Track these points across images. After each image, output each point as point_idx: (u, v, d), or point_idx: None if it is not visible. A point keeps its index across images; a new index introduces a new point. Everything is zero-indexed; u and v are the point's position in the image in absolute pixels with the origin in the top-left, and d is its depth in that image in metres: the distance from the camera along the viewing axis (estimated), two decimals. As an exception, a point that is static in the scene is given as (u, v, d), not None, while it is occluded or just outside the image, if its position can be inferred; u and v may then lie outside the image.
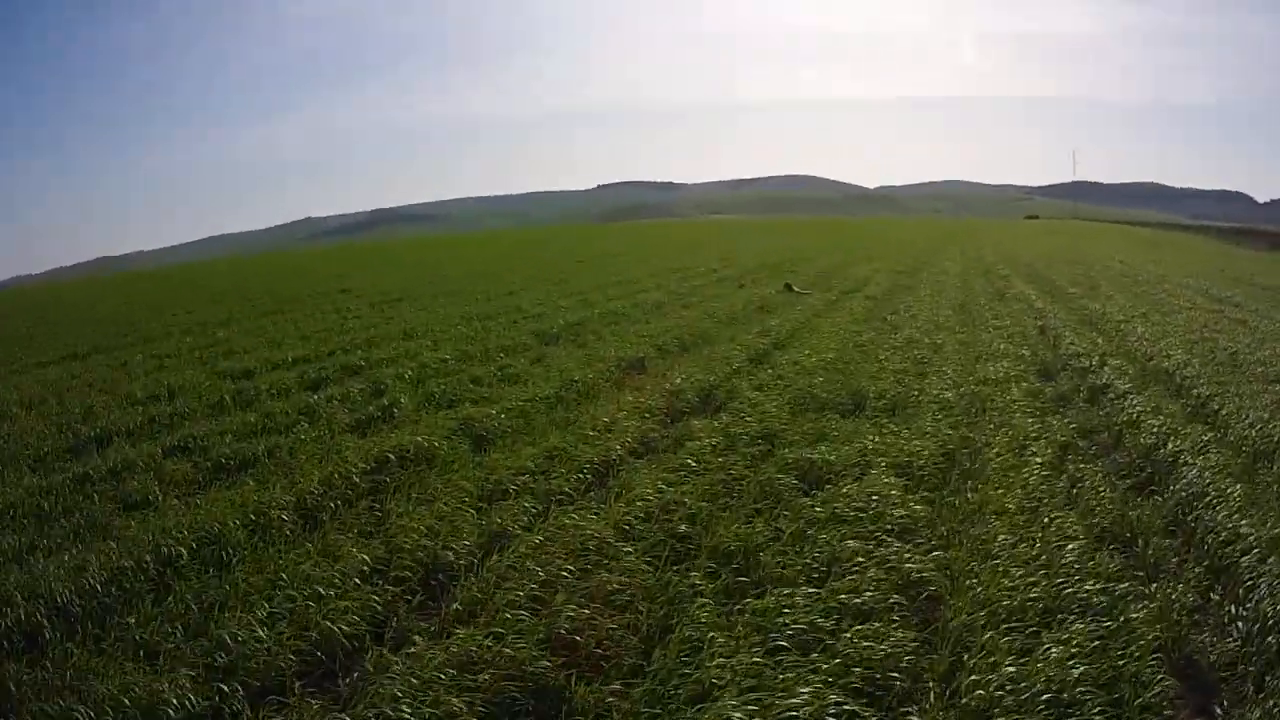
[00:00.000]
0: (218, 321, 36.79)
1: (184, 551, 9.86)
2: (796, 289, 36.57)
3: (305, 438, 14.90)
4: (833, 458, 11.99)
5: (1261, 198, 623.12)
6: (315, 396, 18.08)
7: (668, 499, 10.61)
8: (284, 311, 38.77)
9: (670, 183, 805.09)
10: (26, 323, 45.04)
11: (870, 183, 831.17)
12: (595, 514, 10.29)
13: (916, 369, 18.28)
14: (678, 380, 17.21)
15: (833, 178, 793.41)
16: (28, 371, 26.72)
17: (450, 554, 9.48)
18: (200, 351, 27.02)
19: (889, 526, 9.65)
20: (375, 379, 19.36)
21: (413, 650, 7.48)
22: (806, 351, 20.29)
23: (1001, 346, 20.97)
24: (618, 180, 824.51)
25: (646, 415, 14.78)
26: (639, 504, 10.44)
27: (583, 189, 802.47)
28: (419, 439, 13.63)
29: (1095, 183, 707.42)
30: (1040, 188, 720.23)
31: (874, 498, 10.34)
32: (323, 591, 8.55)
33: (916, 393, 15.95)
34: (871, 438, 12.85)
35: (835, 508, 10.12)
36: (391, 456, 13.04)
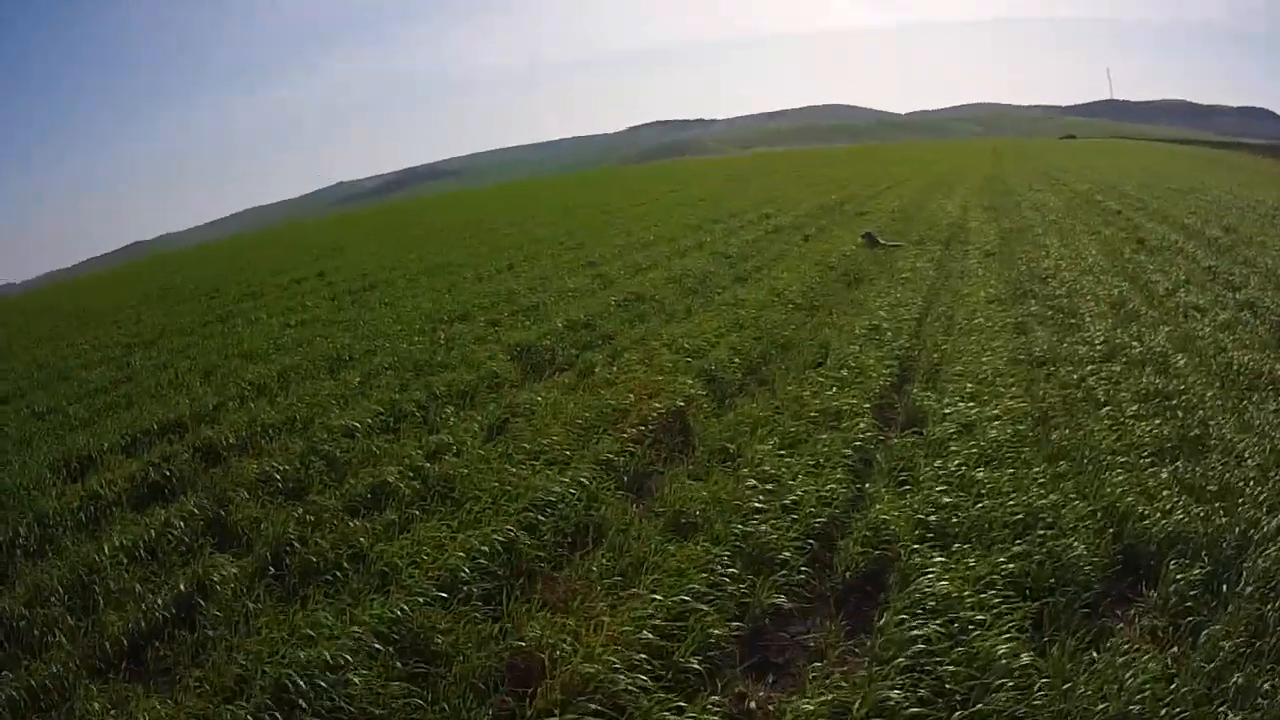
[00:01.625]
0: (142, 340, 28.52)
1: None
2: (882, 241, 28.49)
3: None
4: None
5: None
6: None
7: None
8: (231, 317, 30.58)
9: (703, 119, 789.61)
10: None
11: (902, 108, 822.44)
12: None
13: (1180, 431, 10.41)
14: (755, 498, 9.39)
15: (865, 105, 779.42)
16: None
17: None
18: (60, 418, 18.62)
19: None
20: (217, 497, 11.49)
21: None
22: (968, 389, 12.49)
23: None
24: (650, 120, 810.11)
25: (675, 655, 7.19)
26: None
27: (614, 131, 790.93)
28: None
29: (1125, 101, 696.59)
30: (1070, 107, 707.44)
31: None
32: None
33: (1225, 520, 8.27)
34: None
35: None
36: None
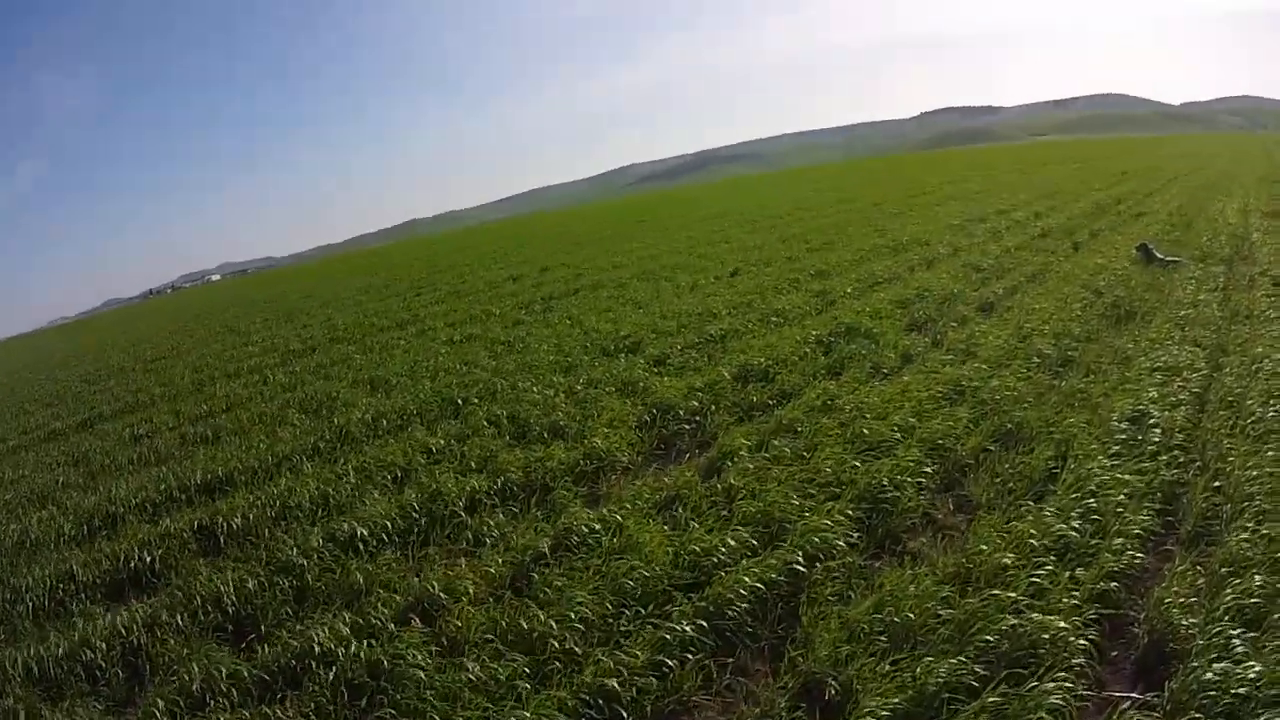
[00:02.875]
0: (307, 347, 27.36)
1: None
2: (1160, 255, 22.21)
3: None
4: None
5: None
6: None
7: None
8: (409, 324, 28.23)
9: (990, 106, 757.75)
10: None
11: (1174, 99, 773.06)
12: None
13: None
14: None
15: (1141, 95, 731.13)
16: None
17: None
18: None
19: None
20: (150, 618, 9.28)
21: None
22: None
23: None
24: (941, 106, 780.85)
25: None
26: None
27: (904, 117, 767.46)
28: None
29: None
30: None
31: None
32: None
33: None
34: None
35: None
36: None
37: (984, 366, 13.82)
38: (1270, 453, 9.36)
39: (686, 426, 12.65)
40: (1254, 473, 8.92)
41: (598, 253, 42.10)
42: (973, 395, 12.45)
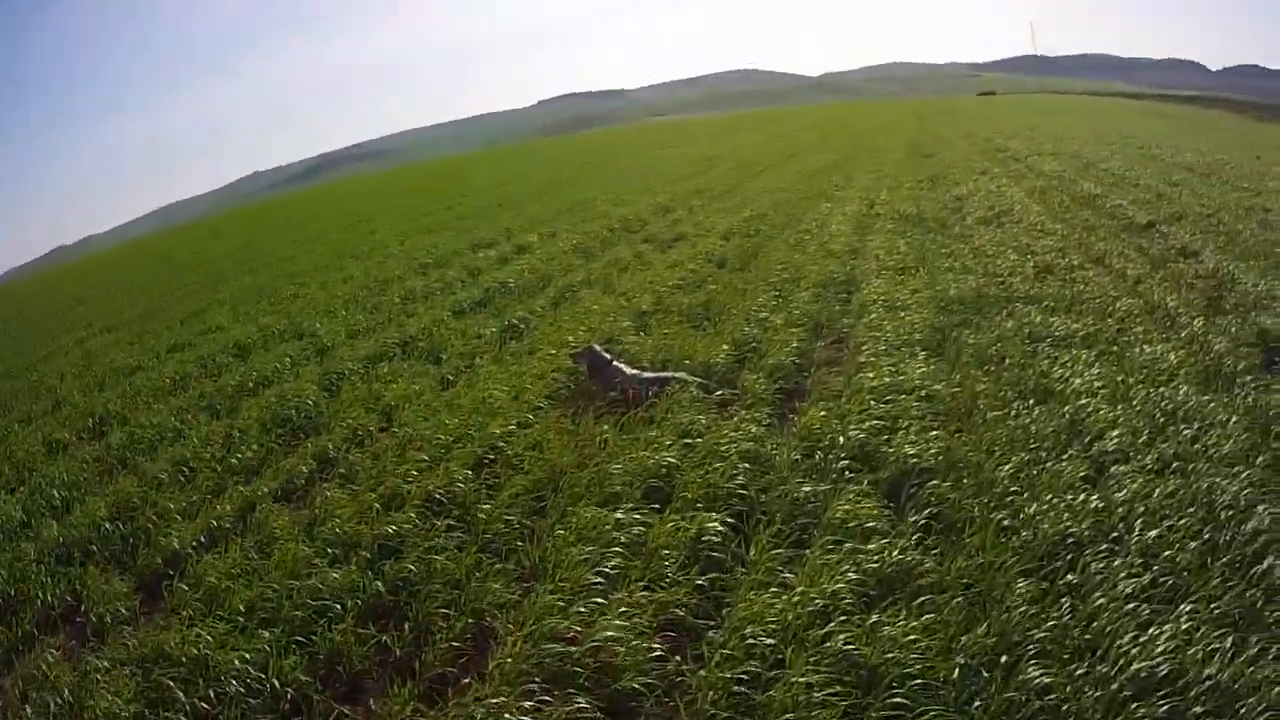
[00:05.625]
0: None
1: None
2: (626, 370, 11.02)
3: None
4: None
5: (1214, 65, 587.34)
6: None
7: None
8: None
9: (615, 90, 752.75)
10: None
11: (814, 70, 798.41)
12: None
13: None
14: None
15: (775, 69, 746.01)
16: None
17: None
18: None
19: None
20: None
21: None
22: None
23: None
24: (562, 93, 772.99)
25: None
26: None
27: (523, 106, 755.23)
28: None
29: (1046, 56, 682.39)
30: (989, 63, 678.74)
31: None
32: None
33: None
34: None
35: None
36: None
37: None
38: None
39: None
40: None
41: None
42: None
